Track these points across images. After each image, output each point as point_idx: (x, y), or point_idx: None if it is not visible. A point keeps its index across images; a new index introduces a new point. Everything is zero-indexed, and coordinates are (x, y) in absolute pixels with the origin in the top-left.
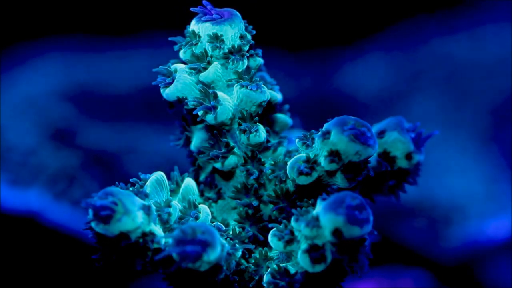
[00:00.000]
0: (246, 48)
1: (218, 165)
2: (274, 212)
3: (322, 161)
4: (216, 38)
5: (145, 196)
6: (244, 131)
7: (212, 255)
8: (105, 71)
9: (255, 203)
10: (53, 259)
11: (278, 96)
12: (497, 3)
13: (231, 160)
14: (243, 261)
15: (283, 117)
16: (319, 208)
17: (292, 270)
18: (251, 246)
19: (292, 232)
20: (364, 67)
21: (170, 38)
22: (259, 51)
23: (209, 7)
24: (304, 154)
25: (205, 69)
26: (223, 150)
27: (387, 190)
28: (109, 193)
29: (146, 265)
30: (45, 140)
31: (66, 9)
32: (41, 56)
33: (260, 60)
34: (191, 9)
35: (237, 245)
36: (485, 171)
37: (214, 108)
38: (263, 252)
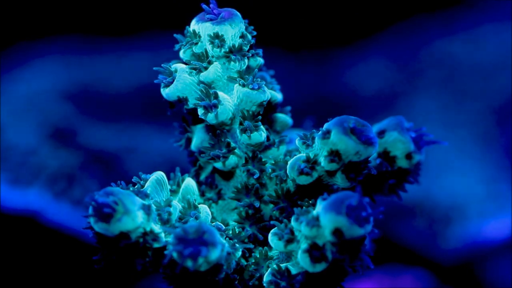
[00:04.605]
0: (247, 47)
1: (219, 165)
2: (274, 212)
3: (322, 161)
4: (216, 38)
5: (145, 196)
6: (244, 131)
7: (212, 255)
8: (105, 71)
9: (256, 203)
10: (53, 259)
11: (278, 96)
12: (497, 3)
13: (232, 160)
14: (243, 260)
15: (284, 117)
16: (319, 208)
17: (292, 270)
18: (251, 246)
19: (292, 232)
20: (364, 67)
21: (175, 35)
22: (260, 51)
23: (212, 5)
24: (304, 154)
25: (205, 68)
26: (224, 150)
27: (387, 190)
28: (110, 192)
29: (146, 265)
30: (45, 139)
31: (66, 9)
32: (41, 56)
33: (260, 60)
34: (201, 4)
35: (237, 245)
36: (485, 171)
37: (215, 106)
38: (263, 252)
